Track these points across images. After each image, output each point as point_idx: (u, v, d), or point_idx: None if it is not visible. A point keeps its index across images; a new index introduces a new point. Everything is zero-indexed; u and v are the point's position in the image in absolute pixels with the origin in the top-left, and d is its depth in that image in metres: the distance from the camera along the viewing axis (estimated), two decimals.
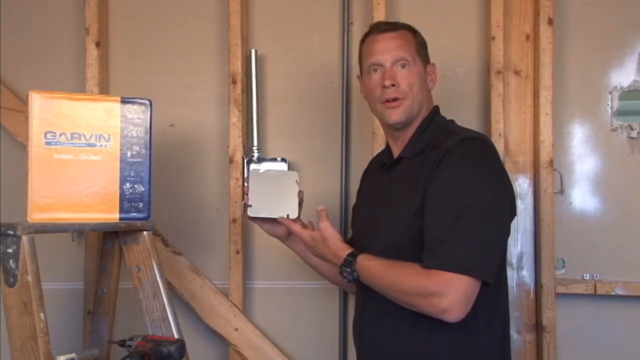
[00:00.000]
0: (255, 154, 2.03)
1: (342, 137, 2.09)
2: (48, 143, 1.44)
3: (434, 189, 1.37)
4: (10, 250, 1.37)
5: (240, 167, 2.06)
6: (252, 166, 1.93)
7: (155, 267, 1.57)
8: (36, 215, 1.44)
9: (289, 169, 1.95)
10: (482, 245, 1.33)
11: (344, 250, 1.46)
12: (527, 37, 2.00)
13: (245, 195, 1.63)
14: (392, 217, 1.46)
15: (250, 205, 1.60)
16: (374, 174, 1.68)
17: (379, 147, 1.94)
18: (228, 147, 2.07)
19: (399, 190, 1.48)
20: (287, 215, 1.59)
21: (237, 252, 2.06)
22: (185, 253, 2.11)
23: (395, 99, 1.49)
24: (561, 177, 1.97)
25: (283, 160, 1.96)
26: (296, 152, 2.09)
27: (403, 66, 1.51)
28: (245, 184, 1.64)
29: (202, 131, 2.13)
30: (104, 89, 2.11)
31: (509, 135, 2.00)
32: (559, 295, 1.94)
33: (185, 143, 2.13)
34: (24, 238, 1.37)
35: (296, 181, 1.59)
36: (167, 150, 2.11)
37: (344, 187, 2.08)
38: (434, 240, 1.33)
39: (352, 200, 1.85)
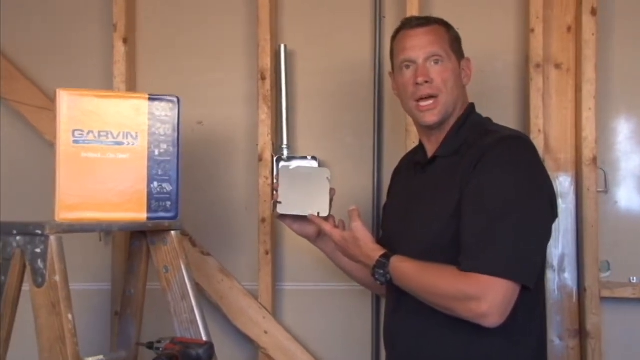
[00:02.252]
0: (285, 152, 2.05)
1: (374, 134, 2.09)
2: (76, 141, 1.45)
3: (472, 189, 1.37)
4: (38, 250, 1.38)
5: (270, 165, 2.06)
6: (282, 164, 1.92)
7: (183, 267, 1.58)
8: (64, 215, 1.45)
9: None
10: (522, 247, 1.32)
11: (377, 252, 1.46)
12: (569, 29, 1.99)
13: (274, 192, 1.64)
14: (427, 218, 1.46)
15: (280, 202, 1.60)
16: (406, 172, 1.67)
17: (412, 144, 1.93)
18: (257, 144, 2.08)
19: (434, 191, 1.48)
20: (318, 213, 1.58)
21: (267, 253, 2.07)
22: (214, 253, 2.12)
23: (429, 97, 1.48)
24: (605, 175, 1.95)
25: (313, 158, 1.95)
26: (327, 150, 2.09)
27: (436, 62, 1.50)
28: (275, 181, 1.65)
29: (230, 129, 2.15)
30: (132, 87, 2.12)
31: (549, 131, 1.98)
32: (604, 299, 1.92)
33: (213, 141, 2.14)
34: (52, 238, 1.38)
35: (327, 178, 1.59)
36: (195, 148, 2.11)
37: (376, 186, 2.08)
38: (472, 243, 1.33)
39: (385, 198, 1.85)
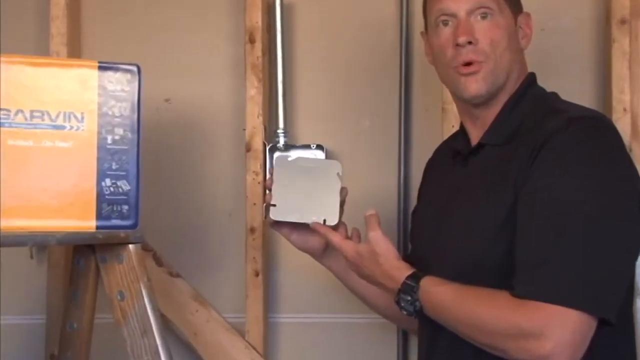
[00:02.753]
0: (282, 140, 2.07)
1: (400, 116, 2.12)
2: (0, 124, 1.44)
3: (530, 189, 1.38)
4: None
5: (261, 157, 2.09)
6: (277, 155, 1.96)
7: (144, 294, 1.58)
8: None
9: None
10: (600, 267, 1.32)
11: (403, 271, 1.48)
12: None
13: (267, 193, 1.67)
14: (470, 227, 1.48)
15: (274, 206, 1.63)
16: (442, 167, 1.70)
17: (452, 128, 1.96)
18: (244, 129, 2.11)
19: (480, 191, 1.49)
20: (324, 221, 1.61)
21: (257, 274, 2.09)
22: (186, 275, 2.14)
23: (471, 63, 1.50)
24: None
25: (319, 147, 1.99)
26: (337, 138, 2.13)
27: (484, 16, 1.51)
28: (268, 177, 1.68)
29: (208, 108, 2.17)
30: (75, 51, 2.13)
31: (638, 109, 1.97)
32: None
33: (185, 124, 2.17)
34: None
35: (337, 174, 1.63)
36: (162, 134, 2.14)
37: (402, 184, 2.12)
38: (531, 261, 1.34)
39: (414, 201, 1.88)
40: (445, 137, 1.88)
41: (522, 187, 1.39)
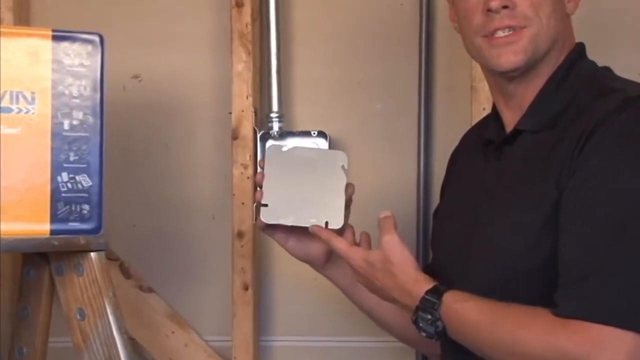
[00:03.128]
0: (276, 126, 2.10)
1: (420, 97, 2.12)
2: None
3: (577, 184, 1.38)
4: None
5: (251, 146, 2.10)
6: (270, 143, 1.99)
7: (109, 312, 1.57)
8: None
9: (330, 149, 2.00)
10: None
11: (421, 284, 1.49)
12: None
13: (257, 189, 1.67)
14: (504, 231, 1.48)
15: (266, 205, 1.63)
16: (471, 158, 1.70)
17: (482, 111, 1.95)
18: (230, 113, 2.12)
19: (517, 187, 1.50)
20: (326, 224, 1.62)
21: (246, 288, 2.11)
22: (160, 289, 2.17)
23: (508, 28, 1.50)
24: None
25: (321, 135, 2.01)
26: (343, 123, 2.13)
27: None
28: (259, 171, 1.68)
29: (186, 87, 2.18)
30: (24, 18, 2.14)
31: None
32: None
33: (158, 107, 2.18)
34: None
35: (343, 167, 1.63)
36: (130, 118, 2.15)
37: (422, 179, 2.13)
38: (577, 271, 1.34)
39: (436, 199, 1.89)
40: (475, 121, 1.88)
41: (567, 181, 1.40)
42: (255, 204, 1.75)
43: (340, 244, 1.60)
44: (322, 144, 2.01)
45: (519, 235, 1.44)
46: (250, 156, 2.11)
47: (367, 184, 1.85)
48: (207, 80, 2.19)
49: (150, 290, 2.18)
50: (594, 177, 1.36)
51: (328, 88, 2.18)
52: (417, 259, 1.65)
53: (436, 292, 1.47)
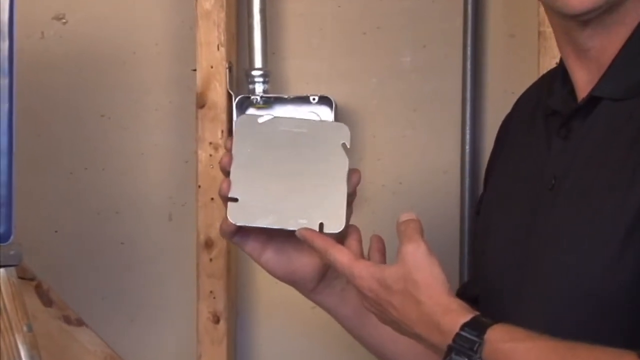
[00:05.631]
0: (259, 88, 1.96)
1: (466, 46, 1.96)
2: None
3: None
4: None
5: (224, 117, 1.96)
6: (244, 115, 1.83)
7: (23, 354, 1.42)
8: None
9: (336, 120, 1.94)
10: None
11: (456, 315, 1.30)
12: None
13: (224, 178, 1.51)
14: (575, 241, 1.31)
15: (236, 200, 1.46)
16: (528, 132, 1.52)
17: (549, 63, 1.79)
18: (194, 70, 1.97)
19: (592, 182, 1.32)
20: (321, 226, 1.44)
21: (216, 320, 1.95)
22: (93, 321, 1.99)
23: None
24: None
25: (324, 101, 1.89)
26: (356, 84, 2.01)
27: None
28: (226, 151, 1.54)
29: (129, 33, 2.04)
30: None
31: None
32: None
33: (90, 61, 2.04)
34: None
35: (344, 145, 1.47)
36: (50, 77, 2.03)
37: (468, 164, 1.98)
38: None
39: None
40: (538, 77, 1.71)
41: None
42: (222, 196, 1.51)
43: (342, 256, 1.40)
44: (325, 114, 1.87)
45: (594, 248, 1.28)
46: (222, 132, 1.96)
47: (389, 170, 1.83)
48: (160, 23, 2.03)
49: (79, 322, 1.97)
50: None
51: (334, 33, 2.01)
52: (460, 278, 1.70)
53: (477, 327, 1.28)
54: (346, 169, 1.48)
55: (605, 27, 1.35)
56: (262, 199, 1.49)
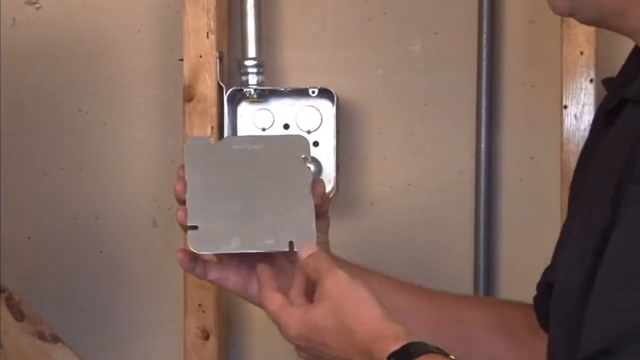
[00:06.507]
0: (253, 79, 1.91)
1: (482, 33, 1.90)
2: None
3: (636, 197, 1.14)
4: None
5: (214, 111, 1.91)
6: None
7: None
8: None
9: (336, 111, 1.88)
10: None
11: (386, 341, 1.25)
12: None
13: (179, 206, 1.45)
14: (581, 231, 1.24)
15: (195, 228, 1.40)
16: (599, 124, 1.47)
17: (580, 56, 1.86)
18: (181, 60, 1.92)
19: (599, 177, 1.23)
20: (291, 244, 1.41)
21: (205, 336, 1.92)
22: (70, 337, 1.89)
23: None
24: None
25: (324, 94, 1.83)
26: (360, 75, 1.96)
27: None
28: (179, 177, 1.44)
29: (109, 18, 1.99)
30: None
31: None
32: None
33: (66, 50, 1.99)
34: None
35: (304, 159, 1.46)
36: (22, 68, 1.98)
37: (484, 167, 1.93)
38: (600, 309, 1.07)
39: (505, 200, 1.92)
40: (567, 71, 1.80)
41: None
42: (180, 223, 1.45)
43: (272, 303, 1.35)
44: (326, 108, 1.82)
45: (584, 242, 1.17)
46: (212, 128, 1.90)
47: (396, 170, 1.81)
48: (144, 8, 1.98)
49: (55, 338, 1.86)
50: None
51: (336, 19, 1.97)
52: (475, 292, 1.73)
53: (403, 357, 1.23)
54: (310, 182, 1.47)
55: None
56: (223, 224, 1.45)
